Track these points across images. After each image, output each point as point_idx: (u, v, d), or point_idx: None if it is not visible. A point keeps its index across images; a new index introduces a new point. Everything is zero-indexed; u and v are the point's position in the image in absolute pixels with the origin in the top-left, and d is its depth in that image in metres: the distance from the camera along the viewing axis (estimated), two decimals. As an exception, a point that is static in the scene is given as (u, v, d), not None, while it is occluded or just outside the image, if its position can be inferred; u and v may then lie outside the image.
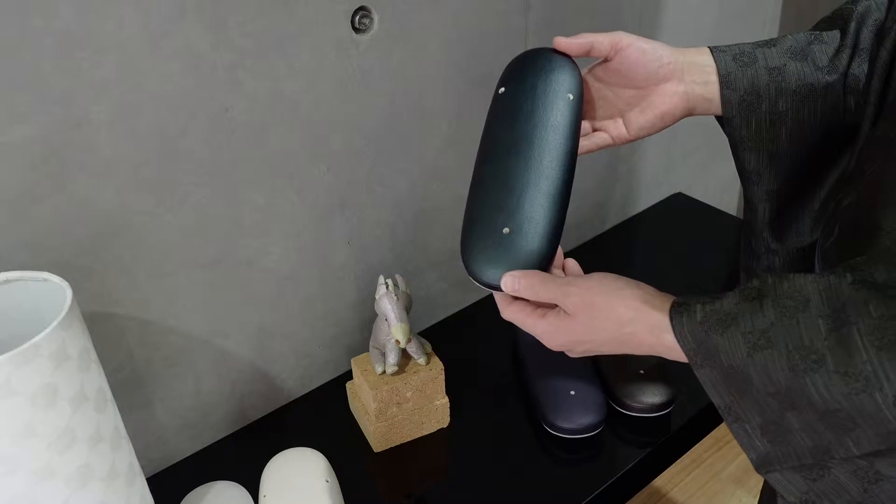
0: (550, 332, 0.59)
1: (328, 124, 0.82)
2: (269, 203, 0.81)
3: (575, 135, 0.64)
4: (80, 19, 0.62)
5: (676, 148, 1.33)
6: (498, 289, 0.60)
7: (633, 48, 0.65)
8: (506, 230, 0.60)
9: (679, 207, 1.32)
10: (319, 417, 0.92)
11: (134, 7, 0.64)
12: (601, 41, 0.65)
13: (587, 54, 0.67)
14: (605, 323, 0.55)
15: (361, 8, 0.79)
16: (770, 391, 0.46)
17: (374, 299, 0.83)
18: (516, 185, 0.62)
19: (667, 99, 0.66)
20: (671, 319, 0.51)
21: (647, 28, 1.15)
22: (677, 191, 1.37)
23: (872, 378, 0.41)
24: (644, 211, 1.32)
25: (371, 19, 0.81)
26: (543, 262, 0.60)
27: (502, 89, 0.67)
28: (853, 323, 0.42)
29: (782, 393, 0.45)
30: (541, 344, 0.92)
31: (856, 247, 0.51)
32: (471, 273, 0.61)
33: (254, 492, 0.80)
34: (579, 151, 0.66)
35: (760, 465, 0.49)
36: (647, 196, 1.32)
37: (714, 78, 0.65)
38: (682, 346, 0.50)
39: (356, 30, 0.80)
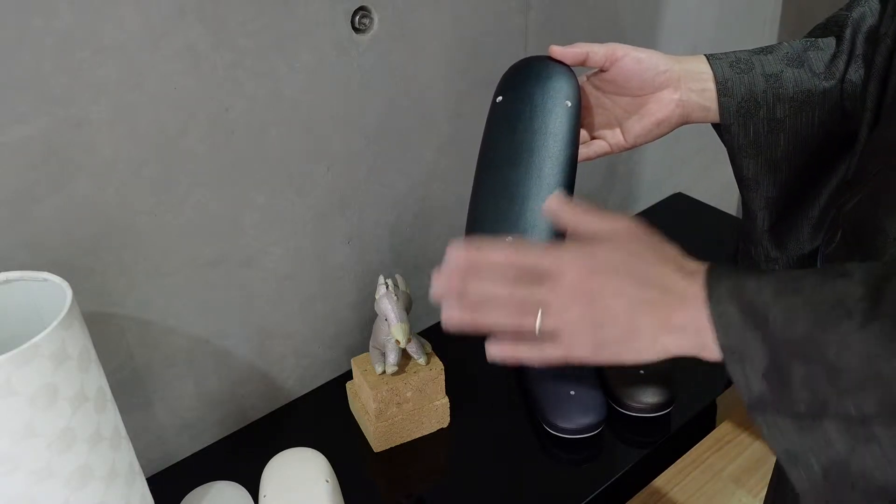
0: (583, 254, 0.50)
1: (328, 124, 0.82)
2: (269, 203, 0.81)
3: (574, 142, 0.65)
4: (80, 19, 0.62)
5: (678, 149, 1.33)
6: None
7: (629, 58, 0.65)
8: (509, 240, 0.60)
9: (679, 208, 1.32)
10: (319, 417, 0.92)
11: (134, 7, 0.64)
12: (596, 51, 0.65)
13: (583, 63, 0.67)
14: (649, 251, 0.50)
15: (361, 8, 0.79)
16: (786, 336, 0.43)
17: (374, 299, 0.83)
18: (518, 194, 0.62)
19: (663, 106, 0.66)
20: (709, 266, 0.48)
21: (647, 28, 1.15)
22: (677, 191, 1.37)
23: None
24: (644, 211, 1.32)
25: (371, 19, 0.81)
26: None
27: (500, 98, 0.68)
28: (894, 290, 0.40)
29: (797, 341, 0.43)
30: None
31: (859, 251, 0.51)
32: None
33: (254, 492, 0.80)
34: (578, 160, 0.67)
35: (753, 407, 0.46)
36: (648, 196, 1.32)
37: (711, 85, 0.65)
38: (707, 279, 0.47)
39: (356, 30, 0.80)
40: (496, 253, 0.51)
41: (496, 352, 0.52)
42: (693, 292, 0.47)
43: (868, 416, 0.42)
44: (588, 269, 0.49)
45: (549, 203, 0.54)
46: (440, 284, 0.51)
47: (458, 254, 0.51)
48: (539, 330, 0.49)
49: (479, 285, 0.50)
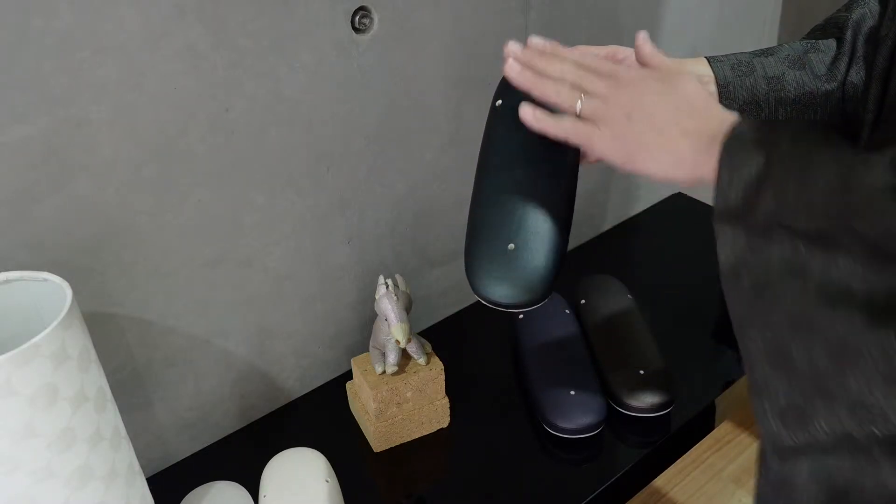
0: (645, 70, 0.58)
1: (328, 124, 0.82)
2: (269, 203, 0.81)
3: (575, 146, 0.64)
4: (80, 19, 0.62)
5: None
6: (503, 307, 0.59)
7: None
8: (511, 246, 0.60)
9: (679, 208, 1.32)
10: (319, 417, 0.92)
11: (134, 7, 0.64)
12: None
13: None
14: (706, 91, 0.55)
15: (361, 8, 0.79)
16: (785, 149, 0.46)
17: (374, 299, 0.83)
18: (519, 200, 0.61)
19: None
20: None
21: (647, 28, 1.14)
22: (677, 191, 1.37)
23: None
24: (644, 211, 1.32)
25: (371, 19, 0.81)
26: (551, 277, 0.59)
27: (499, 102, 0.67)
28: None
29: (794, 154, 0.45)
30: (541, 344, 0.93)
31: None
32: (477, 291, 0.60)
33: (254, 492, 0.80)
34: (579, 163, 0.66)
35: (721, 215, 0.49)
36: (647, 196, 1.32)
37: (712, 88, 0.65)
38: (742, 115, 0.51)
39: (356, 30, 0.80)
40: (569, 50, 0.60)
41: (529, 113, 0.58)
42: (726, 115, 0.51)
43: (812, 233, 0.44)
44: (642, 76, 0.56)
45: (638, 36, 0.60)
46: (515, 47, 0.60)
47: (538, 40, 0.61)
48: (580, 109, 0.56)
49: (545, 63, 0.59)
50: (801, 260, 0.45)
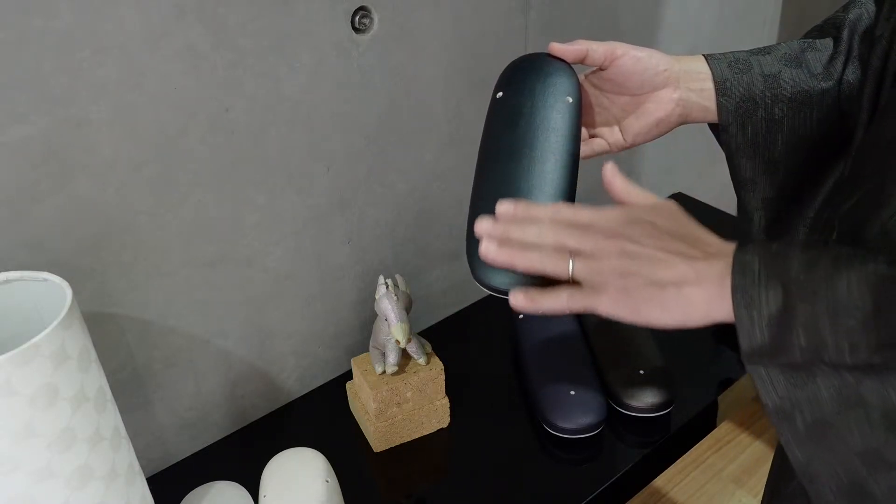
0: (622, 210, 0.54)
1: (328, 124, 0.82)
2: (269, 203, 0.81)
3: (576, 137, 0.64)
4: (80, 19, 0.62)
5: (678, 149, 1.33)
6: (504, 293, 0.59)
7: (628, 57, 0.65)
8: None
9: (679, 207, 1.32)
10: (319, 417, 0.92)
11: (134, 7, 0.64)
12: (596, 49, 0.65)
13: (582, 61, 0.67)
14: (688, 219, 0.53)
15: (361, 8, 0.79)
16: (801, 278, 0.44)
17: (374, 299, 0.83)
18: (520, 189, 0.61)
19: (662, 106, 0.66)
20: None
21: (647, 28, 1.15)
22: (677, 191, 1.37)
23: None
24: (644, 211, 1.31)
25: (371, 19, 0.81)
26: None
27: (500, 93, 0.67)
28: None
29: (811, 280, 0.44)
30: (541, 344, 0.93)
31: None
32: (478, 278, 0.60)
33: (254, 492, 0.80)
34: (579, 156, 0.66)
35: (750, 357, 0.46)
36: (647, 196, 1.32)
37: (709, 85, 0.65)
38: (738, 243, 0.48)
39: (356, 30, 0.80)
40: (541, 209, 0.56)
41: (521, 300, 0.54)
42: (724, 249, 0.49)
43: (860, 365, 0.42)
44: (626, 219, 0.53)
45: (605, 170, 0.57)
46: (485, 226, 0.55)
47: (507, 206, 0.56)
48: (571, 273, 0.52)
49: (521, 231, 0.54)
50: (852, 391, 0.43)
